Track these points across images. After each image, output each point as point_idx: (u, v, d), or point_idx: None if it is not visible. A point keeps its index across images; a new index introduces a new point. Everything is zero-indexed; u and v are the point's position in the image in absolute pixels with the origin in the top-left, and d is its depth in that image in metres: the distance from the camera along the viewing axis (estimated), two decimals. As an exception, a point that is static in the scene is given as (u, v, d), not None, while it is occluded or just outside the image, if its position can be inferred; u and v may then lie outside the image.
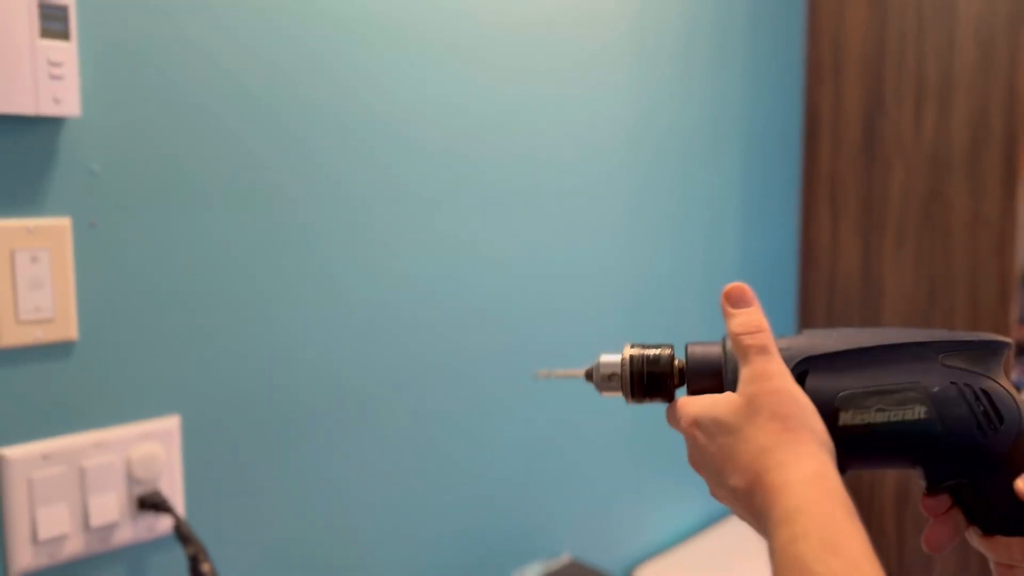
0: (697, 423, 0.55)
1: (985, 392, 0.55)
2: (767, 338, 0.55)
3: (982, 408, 0.55)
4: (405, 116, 1.13)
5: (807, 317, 1.87)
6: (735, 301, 0.57)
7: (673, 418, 0.59)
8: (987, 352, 0.57)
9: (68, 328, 0.86)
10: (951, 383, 0.55)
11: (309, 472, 1.07)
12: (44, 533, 0.86)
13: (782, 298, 1.85)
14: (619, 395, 0.63)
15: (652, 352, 0.62)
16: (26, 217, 0.84)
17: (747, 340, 0.55)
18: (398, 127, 1.12)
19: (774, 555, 0.46)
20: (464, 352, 1.22)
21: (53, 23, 0.82)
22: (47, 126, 0.85)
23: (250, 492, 1.02)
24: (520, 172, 1.28)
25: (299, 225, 1.03)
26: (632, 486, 1.52)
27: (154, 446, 0.93)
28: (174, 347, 0.94)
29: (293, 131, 1.02)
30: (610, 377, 0.62)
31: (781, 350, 0.56)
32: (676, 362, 0.62)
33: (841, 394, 0.55)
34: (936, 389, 0.55)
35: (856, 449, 0.54)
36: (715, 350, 0.60)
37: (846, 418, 0.55)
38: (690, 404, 0.57)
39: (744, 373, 0.54)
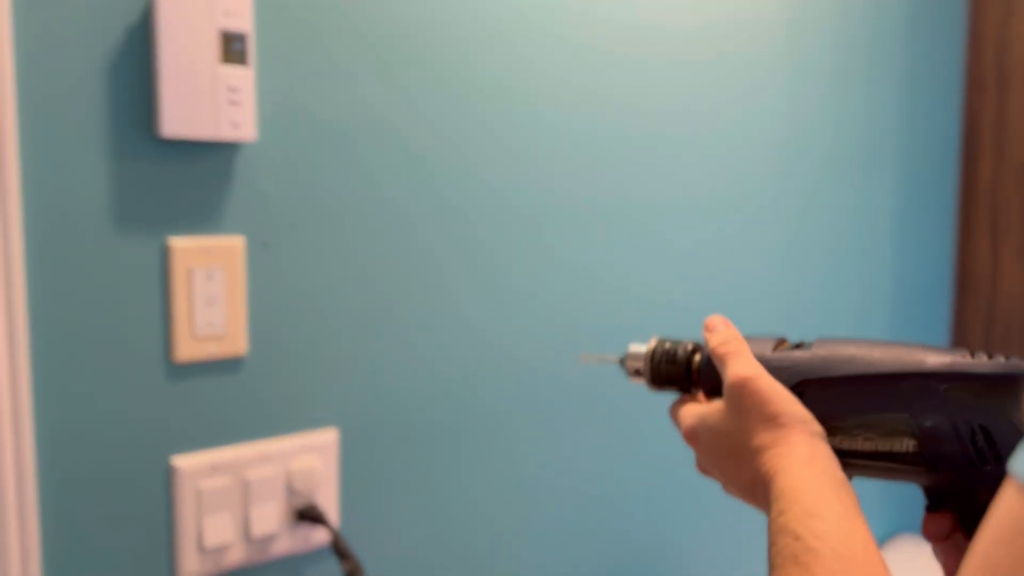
0: (695, 434, 0.61)
1: (984, 428, 0.52)
2: (738, 345, 0.59)
3: (977, 445, 0.52)
4: (552, 137, 1.12)
5: (962, 345, 1.76)
6: (712, 327, 0.63)
7: (674, 418, 0.66)
8: (1000, 383, 0.52)
9: (238, 344, 0.89)
10: (946, 418, 0.53)
11: (454, 488, 1.08)
12: (210, 541, 0.89)
13: (935, 324, 1.76)
14: (643, 383, 0.69)
15: (670, 347, 0.68)
16: (203, 235, 0.87)
17: (720, 349, 0.60)
18: (549, 148, 1.11)
19: (768, 531, 0.49)
20: (607, 374, 1.21)
21: (233, 49, 0.85)
22: (225, 150, 0.88)
23: (401, 506, 1.03)
24: (669, 192, 1.25)
25: (432, 250, 1.04)
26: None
27: (313, 459, 0.95)
28: (334, 361, 0.97)
29: (432, 163, 1.03)
30: (636, 370, 0.69)
31: (781, 368, 0.57)
32: (696, 358, 0.67)
33: (831, 422, 0.55)
34: (928, 424, 0.53)
35: (848, 468, 0.54)
36: None
37: (834, 442, 0.55)
38: (684, 415, 0.63)
39: (725, 381, 0.58)
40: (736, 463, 0.56)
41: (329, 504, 0.97)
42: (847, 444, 0.55)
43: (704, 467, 0.63)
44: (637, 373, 0.69)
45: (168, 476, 0.88)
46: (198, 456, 0.89)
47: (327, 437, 0.96)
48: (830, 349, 0.57)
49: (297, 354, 0.94)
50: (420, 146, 1.01)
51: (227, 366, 0.90)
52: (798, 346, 0.59)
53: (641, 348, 0.69)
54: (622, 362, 0.70)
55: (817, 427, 0.54)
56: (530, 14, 1.07)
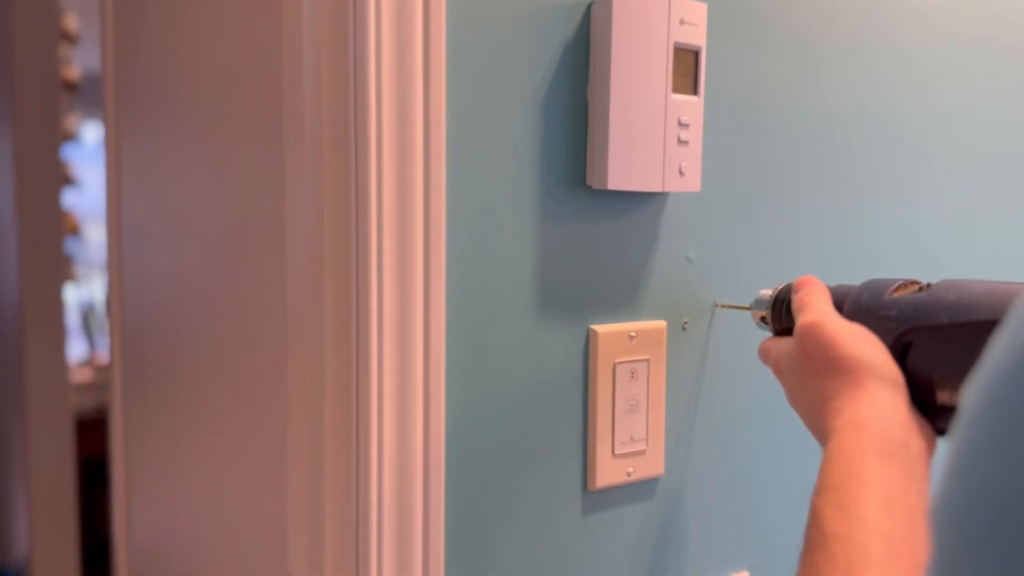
0: (778, 367, 0.57)
1: None
2: (814, 295, 0.55)
3: None
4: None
5: None
6: (797, 287, 0.58)
7: (763, 357, 0.60)
8: None
9: (656, 460, 0.68)
10: None
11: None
12: None
13: None
14: (769, 330, 0.63)
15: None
16: (625, 321, 0.66)
17: (797, 302, 0.56)
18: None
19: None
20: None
21: (684, 71, 0.64)
22: (656, 204, 0.66)
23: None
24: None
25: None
26: None
27: (720, 606, 0.73)
28: (747, 492, 0.74)
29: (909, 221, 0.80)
30: (762, 317, 0.63)
31: (887, 317, 0.51)
32: None
33: (939, 372, 0.48)
34: None
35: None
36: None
37: (943, 397, 0.47)
38: (770, 347, 0.59)
39: (795, 331, 0.54)
40: (808, 406, 0.52)
41: (729, 659, 0.74)
42: (957, 400, 0.46)
43: (790, 402, 0.56)
44: (763, 321, 0.63)
45: (561, 632, 0.66)
46: (595, 604, 0.67)
47: (738, 577, 0.74)
48: (944, 292, 0.49)
49: (713, 471, 0.72)
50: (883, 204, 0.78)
51: (643, 489, 0.68)
52: (922, 289, 0.51)
53: (767, 291, 0.63)
54: (752, 310, 0.64)
55: (889, 372, 0.48)
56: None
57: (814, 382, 0.50)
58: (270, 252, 0.64)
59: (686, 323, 0.69)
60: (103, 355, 2.86)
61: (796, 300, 0.56)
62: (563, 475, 0.63)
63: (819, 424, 0.49)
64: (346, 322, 0.54)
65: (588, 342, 0.64)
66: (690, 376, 0.70)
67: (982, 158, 0.92)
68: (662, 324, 0.67)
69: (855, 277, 0.75)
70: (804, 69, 0.75)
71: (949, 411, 0.47)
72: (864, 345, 0.49)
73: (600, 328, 0.64)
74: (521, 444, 0.61)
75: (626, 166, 0.61)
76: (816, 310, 0.53)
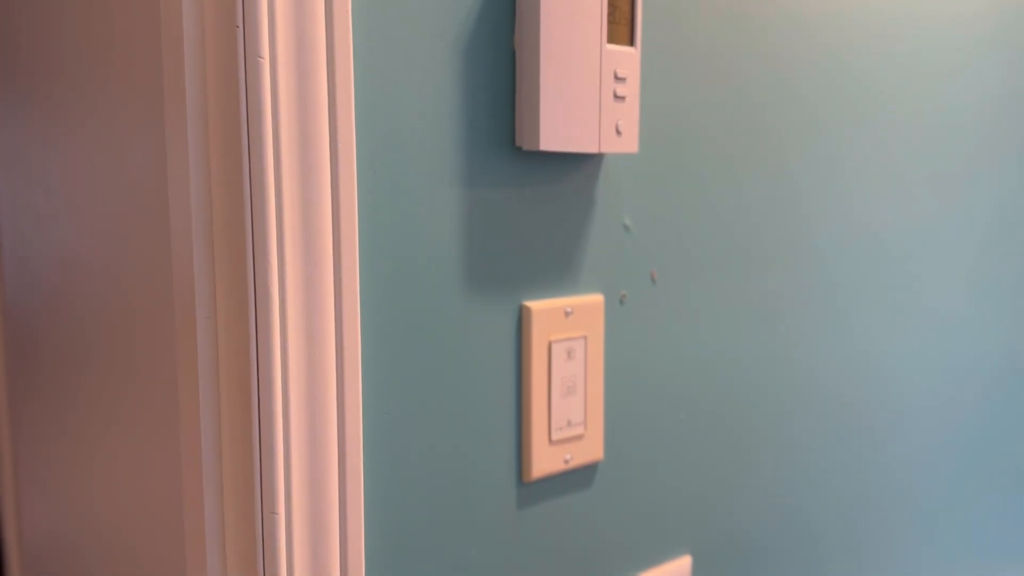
0: None
1: None
2: None
3: None
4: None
5: None
6: None
7: None
8: None
9: (596, 445, 0.63)
10: None
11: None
12: None
13: None
14: None
15: None
16: (560, 296, 0.60)
17: None
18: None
19: None
20: (931, 483, 0.95)
21: (619, 20, 0.58)
22: (590, 167, 0.61)
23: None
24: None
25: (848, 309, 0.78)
26: None
27: (663, 595, 0.68)
28: (687, 473, 0.70)
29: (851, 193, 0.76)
30: None
31: None
32: None
33: None
34: None
35: None
36: None
37: None
38: None
39: None
40: None
41: (673, 649, 0.71)
42: None
43: None
44: None
45: (496, 634, 0.61)
46: (531, 602, 0.62)
47: (680, 568, 0.70)
48: None
49: (652, 452, 0.67)
50: (831, 184, 0.74)
51: (582, 476, 0.63)
52: None
53: None
54: None
55: None
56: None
57: None
58: (155, 229, 0.56)
59: (624, 295, 0.64)
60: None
61: None
62: (496, 466, 0.57)
63: None
64: (242, 304, 0.47)
65: (521, 320, 0.58)
66: (628, 352, 0.65)
67: (934, 117, 0.89)
68: (599, 298, 0.62)
69: (800, 241, 0.71)
70: (749, 17, 0.70)
71: None
72: None
73: (533, 304, 0.58)
74: (448, 435, 0.55)
75: (559, 125, 0.55)
76: None
